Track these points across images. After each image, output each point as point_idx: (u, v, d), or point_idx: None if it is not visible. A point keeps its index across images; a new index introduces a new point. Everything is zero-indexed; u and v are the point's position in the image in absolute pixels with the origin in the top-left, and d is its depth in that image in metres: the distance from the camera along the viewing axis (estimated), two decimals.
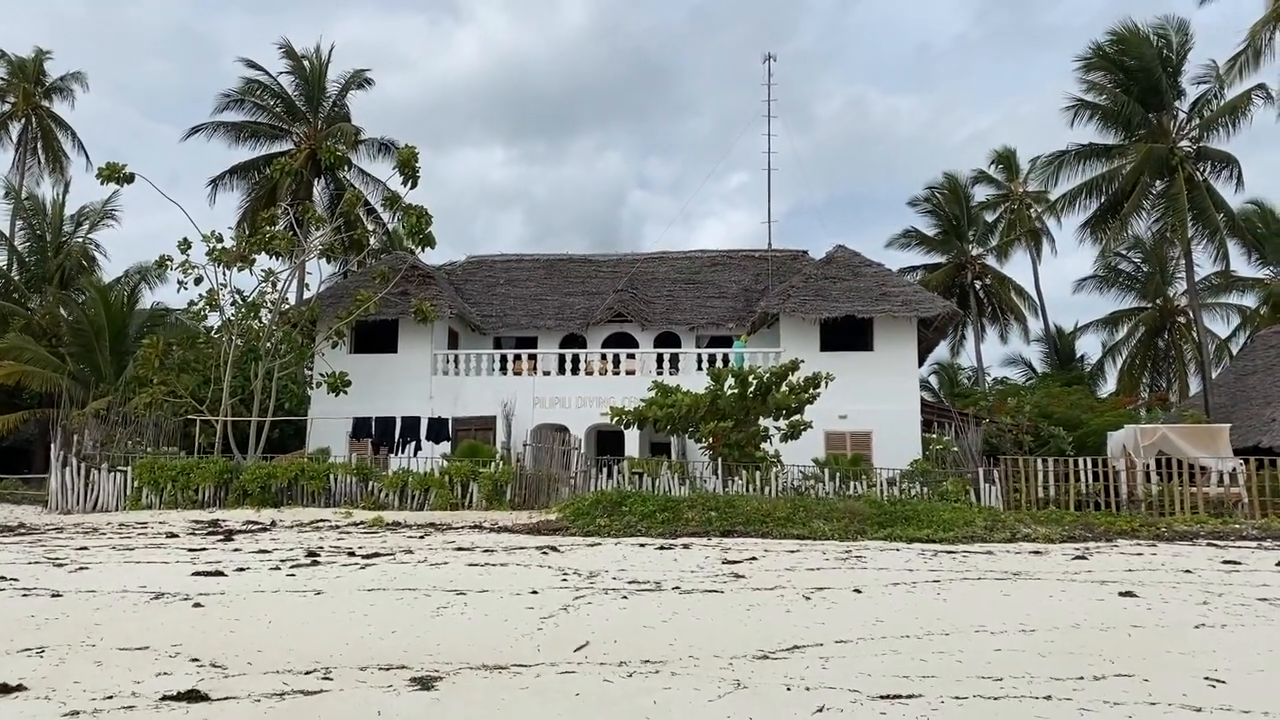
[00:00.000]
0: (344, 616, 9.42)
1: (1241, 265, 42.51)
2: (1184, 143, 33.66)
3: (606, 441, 30.12)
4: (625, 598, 10.46)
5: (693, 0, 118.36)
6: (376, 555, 14.02)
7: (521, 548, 15.09)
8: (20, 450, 35.76)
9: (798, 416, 22.65)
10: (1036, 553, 14.90)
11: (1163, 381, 47.13)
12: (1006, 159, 49.20)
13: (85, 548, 15.04)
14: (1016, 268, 50.49)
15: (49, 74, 44.31)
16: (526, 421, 29.07)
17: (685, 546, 15.27)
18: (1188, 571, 12.69)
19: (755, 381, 22.33)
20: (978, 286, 46.69)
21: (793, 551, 14.67)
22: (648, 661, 7.57)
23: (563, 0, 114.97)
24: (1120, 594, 10.79)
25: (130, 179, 26.31)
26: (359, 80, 41.84)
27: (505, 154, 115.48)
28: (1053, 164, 35.55)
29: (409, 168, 27.34)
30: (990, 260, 47.26)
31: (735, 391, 22.47)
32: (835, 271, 29.76)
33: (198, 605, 9.91)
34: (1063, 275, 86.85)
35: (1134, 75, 33.13)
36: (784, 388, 22.71)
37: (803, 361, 23.14)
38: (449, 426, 26.65)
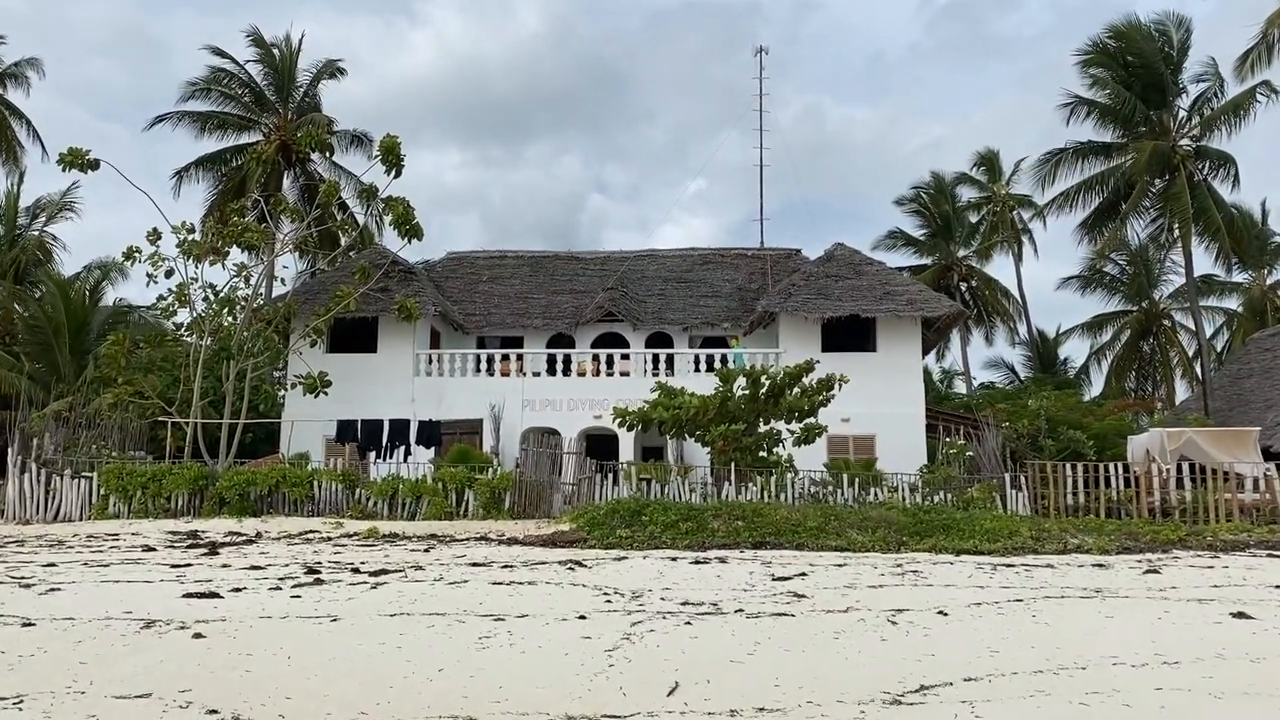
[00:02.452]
0: (373, 650, 8.08)
1: (1220, 268, 42.30)
2: (1184, 141, 33.07)
3: (597, 446, 28.76)
4: (689, 624, 9.21)
5: (649, 8, 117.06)
6: (384, 572, 12.63)
7: (542, 562, 13.76)
8: None
9: (811, 420, 21.49)
10: (1099, 565, 13.86)
11: (1148, 385, 46.66)
12: (989, 160, 48.43)
13: (53, 564, 13.49)
14: (998, 270, 49.59)
15: (2, 60, 42.02)
16: (515, 425, 27.71)
17: (721, 560, 14.03)
18: (1278, 588, 11.70)
19: (768, 383, 21.16)
20: (964, 288, 45.92)
21: (840, 566, 13.50)
22: (763, 710, 6.34)
23: (518, 5, 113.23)
24: (1233, 615, 9.73)
25: (95, 165, 24.57)
26: (331, 70, 40.07)
27: (461, 157, 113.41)
28: (1049, 162, 34.79)
29: (393, 155, 25.84)
30: (977, 262, 46.52)
31: (746, 393, 21.27)
32: (836, 270, 28.69)
33: (198, 636, 8.52)
34: (1044, 278, 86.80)
35: (1135, 72, 32.44)
36: (795, 389, 21.56)
37: (818, 362, 22.01)
38: (439, 430, 25.17)
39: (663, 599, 10.60)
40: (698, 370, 28.13)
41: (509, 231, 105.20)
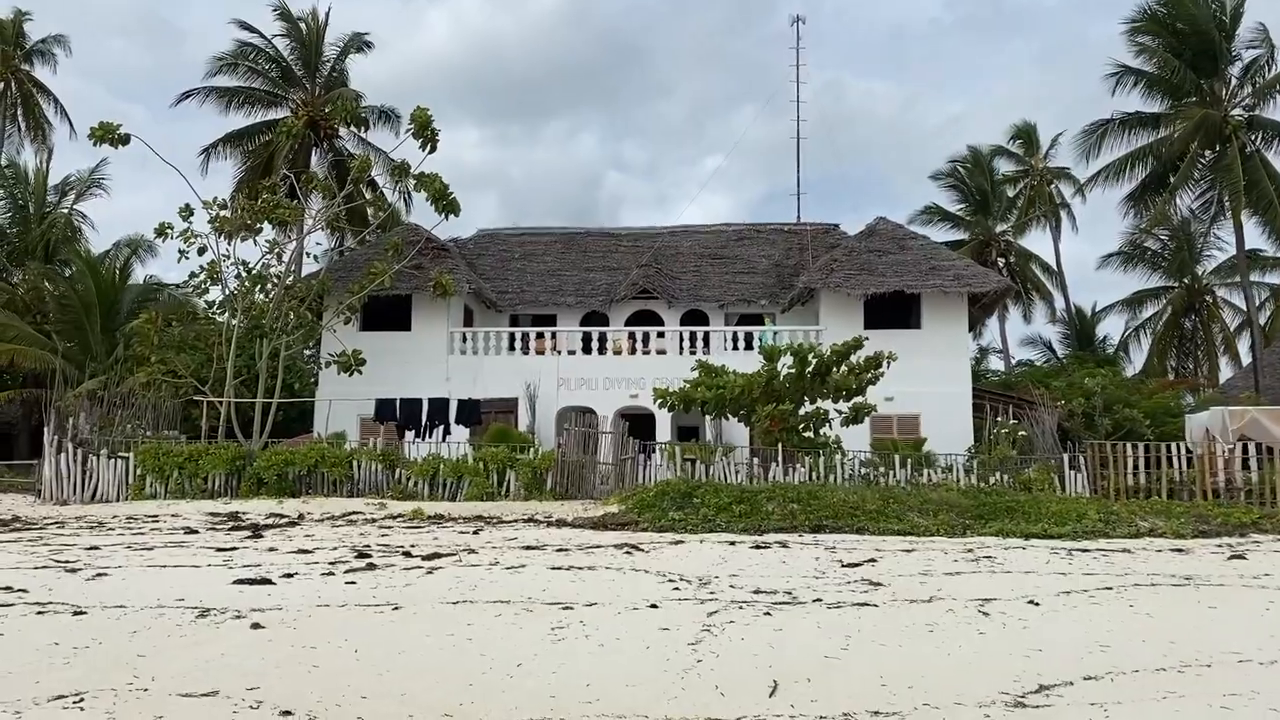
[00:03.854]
0: (443, 642, 7.65)
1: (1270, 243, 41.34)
2: (1236, 111, 32.07)
3: (634, 425, 28.27)
4: (768, 615, 8.73)
5: None
6: (437, 556, 12.22)
7: (597, 546, 13.32)
8: (2, 435, 33.55)
9: (860, 399, 20.92)
10: (1178, 550, 13.29)
11: (1189, 363, 45.68)
12: (1027, 133, 47.39)
13: (96, 547, 13.15)
14: (1035, 245, 48.60)
15: (29, 36, 41.73)
16: (551, 404, 27.29)
17: (782, 545, 13.54)
18: None
19: (815, 361, 20.58)
20: (1002, 264, 44.97)
21: (908, 551, 12.99)
22: (878, 713, 5.85)
23: None
24: None
25: (125, 140, 24.16)
26: (358, 43, 39.54)
27: (479, 135, 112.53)
28: (1094, 133, 33.86)
29: (426, 129, 25.29)
30: (1014, 237, 45.56)
31: (793, 371, 20.71)
32: (879, 244, 27.98)
33: (257, 626, 8.11)
34: (1081, 255, 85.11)
35: (1185, 39, 31.44)
36: (843, 368, 20.98)
37: (867, 339, 21.40)
38: (479, 409, 24.71)
39: (732, 586, 10.12)
40: (736, 348, 27.55)
41: (527, 210, 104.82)
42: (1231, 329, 45.76)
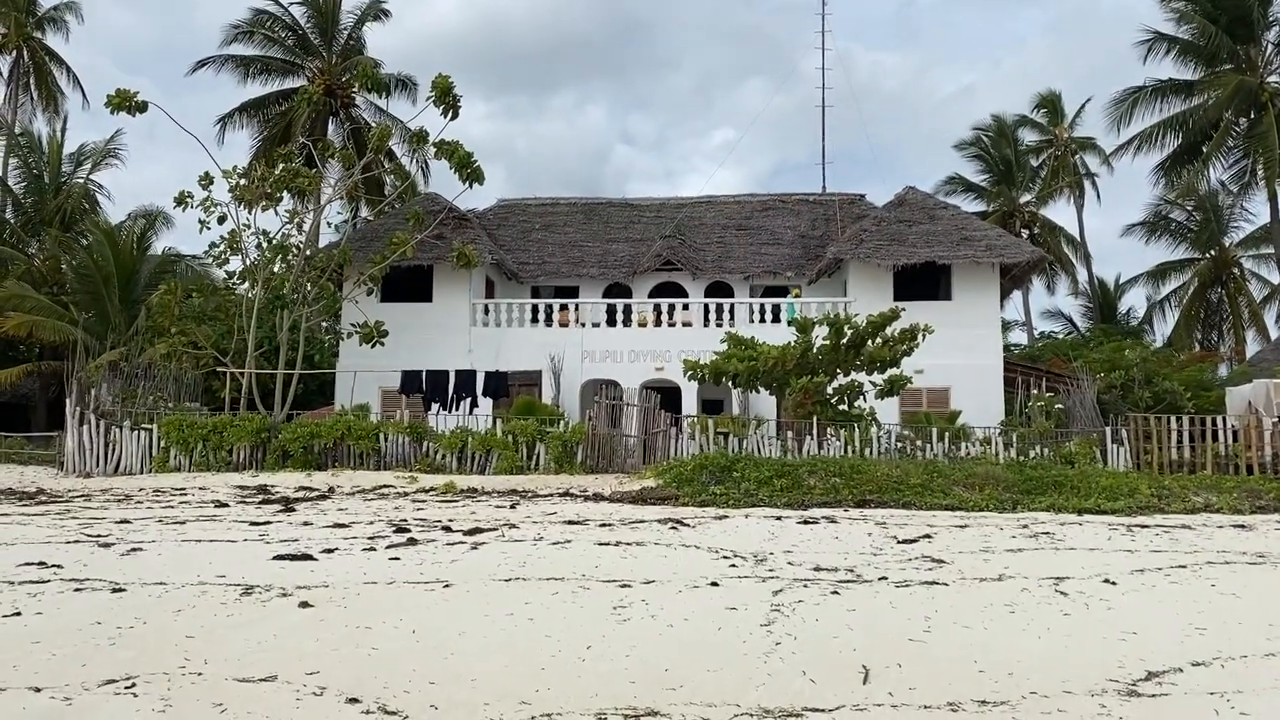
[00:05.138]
0: (504, 623, 7.28)
1: None
2: (1273, 78, 31.34)
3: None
4: (836, 594, 8.35)
5: None
6: (478, 531, 11.87)
7: (640, 521, 12.96)
8: (18, 406, 33.36)
9: (894, 371, 20.49)
10: (1241, 527, 12.88)
11: (1214, 336, 45.03)
12: (1051, 102, 46.58)
13: (127, 521, 12.84)
14: (1058, 216, 47.74)
15: (40, 4, 41.15)
16: (575, 377, 26.90)
17: (830, 520, 13.15)
18: None
19: (850, 333, 20.14)
20: (1026, 235, 44.29)
21: (962, 526, 12.59)
22: (985, 703, 5.47)
23: None
24: None
25: (143, 107, 23.70)
26: (375, 11, 38.99)
27: (486, 108, 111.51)
28: (1125, 101, 33.16)
29: (448, 96, 24.74)
30: (1037, 208, 44.87)
31: (827, 343, 20.28)
32: (909, 214, 27.40)
33: (306, 605, 7.75)
34: (1104, 228, 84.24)
35: (1221, 4, 30.68)
36: (878, 339, 20.54)
37: (904, 309, 20.92)
38: (505, 382, 24.32)
39: (790, 564, 9.75)
40: (762, 320, 27.09)
41: (535, 183, 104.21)
42: (1258, 301, 45.08)
